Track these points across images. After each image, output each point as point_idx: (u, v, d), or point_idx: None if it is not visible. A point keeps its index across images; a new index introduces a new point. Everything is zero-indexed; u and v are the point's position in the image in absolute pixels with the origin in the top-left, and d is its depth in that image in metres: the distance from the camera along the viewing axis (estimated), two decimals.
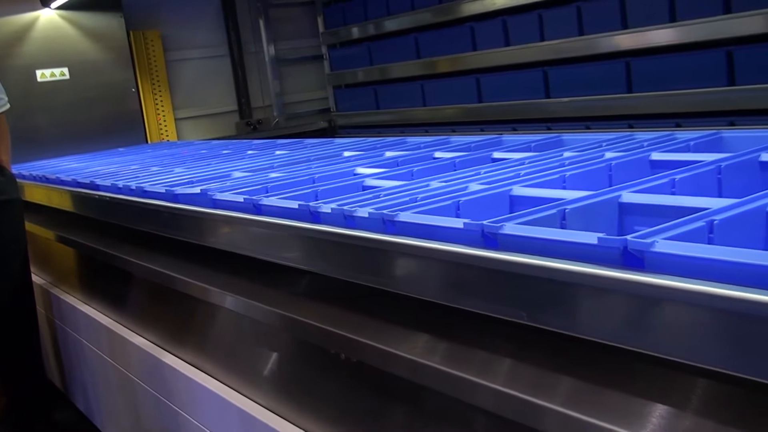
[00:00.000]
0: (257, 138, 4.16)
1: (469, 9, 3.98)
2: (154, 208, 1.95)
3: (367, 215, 1.27)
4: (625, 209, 1.17)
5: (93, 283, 2.61)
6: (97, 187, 2.39)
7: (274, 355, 1.56)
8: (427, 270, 1.13)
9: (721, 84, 2.89)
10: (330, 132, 5.14)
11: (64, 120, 4.48)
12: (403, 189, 1.48)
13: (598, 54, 3.36)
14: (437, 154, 2.00)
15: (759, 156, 1.34)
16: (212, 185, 1.90)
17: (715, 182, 1.28)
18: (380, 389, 1.26)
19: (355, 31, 4.89)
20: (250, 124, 5.16)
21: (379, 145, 2.44)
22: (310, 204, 1.41)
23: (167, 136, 4.87)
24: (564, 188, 1.37)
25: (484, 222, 1.06)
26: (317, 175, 1.87)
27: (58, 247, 2.85)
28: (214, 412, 1.65)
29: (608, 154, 1.56)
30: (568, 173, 1.41)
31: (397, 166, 1.91)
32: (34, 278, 2.83)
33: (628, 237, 0.89)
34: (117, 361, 2.23)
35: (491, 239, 1.05)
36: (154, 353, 1.93)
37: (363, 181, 1.72)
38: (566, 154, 1.67)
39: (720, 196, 1.26)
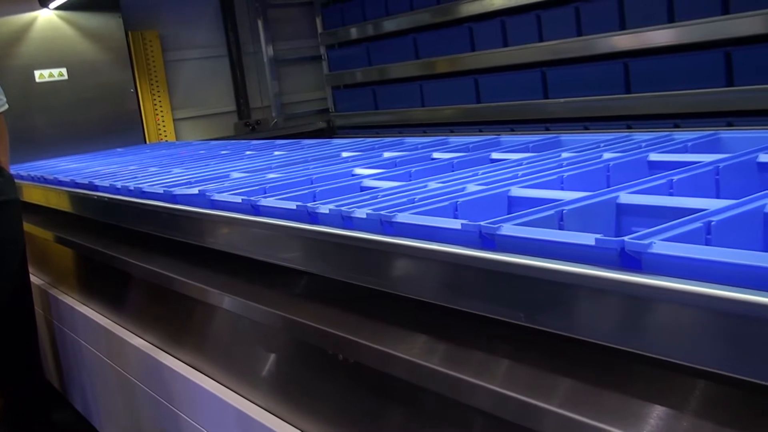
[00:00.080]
0: (256, 138, 4.16)
1: (468, 9, 3.98)
2: (152, 209, 1.95)
3: (365, 216, 1.27)
4: (623, 210, 1.17)
5: (91, 284, 2.61)
6: (95, 188, 2.39)
7: (272, 356, 1.56)
8: (425, 271, 1.14)
9: (719, 84, 2.89)
10: (328, 132, 5.13)
11: (63, 120, 4.48)
12: (401, 190, 1.48)
13: (596, 54, 3.36)
14: (435, 155, 2.00)
15: (757, 157, 1.34)
16: (210, 186, 1.90)
17: (713, 183, 1.28)
18: (378, 390, 1.26)
19: (354, 32, 4.89)
20: (249, 125, 5.15)
21: (377, 146, 2.44)
22: (308, 205, 1.41)
23: (166, 136, 4.87)
24: (562, 189, 1.37)
25: (482, 223, 1.06)
26: (315, 176, 1.87)
27: (57, 247, 2.85)
28: (212, 412, 1.65)
29: (606, 155, 1.56)
30: (566, 174, 1.41)
31: (396, 166, 1.91)
32: (33, 279, 2.83)
33: (626, 238, 0.89)
34: (115, 362, 2.23)
35: (489, 240, 1.05)
36: (152, 354, 1.93)
37: (361, 182, 1.72)
38: (564, 154, 1.68)
39: (718, 197, 1.26)
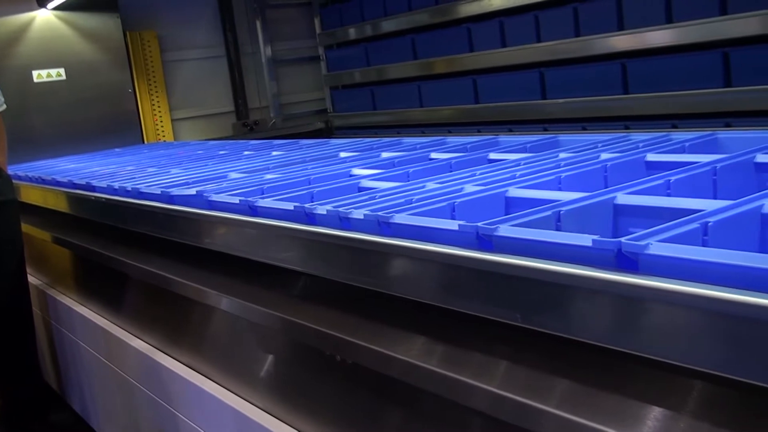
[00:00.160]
0: (254, 139, 4.16)
1: (466, 10, 3.98)
2: (150, 210, 1.95)
3: (362, 217, 1.27)
4: (620, 211, 1.17)
5: (89, 285, 2.60)
6: (93, 189, 2.39)
7: (270, 357, 1.55)
8: (423, 272, 1.14)
9: (717, 85, 2.90)
10: (327, 133, 5.13)
11: (61, 121, 4.47)
12: (398, 190, 1.48)
13: (594, 55, 3.36)
14: (433, 155, 2.00)
15: (754, 157, 1.34)
16: (208, 186, 1.90)
17: (711, 183, 1.28)
18: (376, 391, 1.26)
19: (352, 32, 4.89)
20: (247, 125, 5.15)
21: (375, 146, 2.44)
22: (306, 206, 1.41)
23: (164, 136, 4.87)
24: (559, 189, 1.37)
25: (479, 224, 1.06)
26: (313, 177, 1.87)
27: (55, 248, 2.85)
28: (210, 413, 1.65)
29: (604, 156, 1.56)
30: (563, 174, 1.41)
31: (393, 167, 1.91)
32: (30, 279, 2.82)
33: (623, 239, 0.89)
34: (113, 363, 2.23)
35: (486, 241, 1.05)
36: (150, 354, 1.93)
37: (359, 183, 1.71)
38: (562, 155, 1.68)
39: (715, 197, 1.26)
